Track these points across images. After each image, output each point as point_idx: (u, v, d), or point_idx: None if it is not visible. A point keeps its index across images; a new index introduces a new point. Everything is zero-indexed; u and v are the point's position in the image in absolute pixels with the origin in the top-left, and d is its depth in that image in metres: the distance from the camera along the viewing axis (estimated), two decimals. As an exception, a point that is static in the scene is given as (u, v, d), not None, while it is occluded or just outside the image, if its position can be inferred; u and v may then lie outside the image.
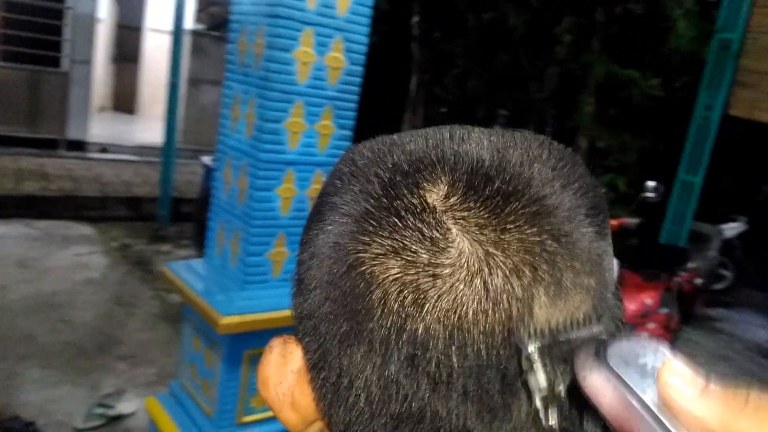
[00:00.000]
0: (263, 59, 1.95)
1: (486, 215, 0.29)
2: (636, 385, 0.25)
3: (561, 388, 0.27)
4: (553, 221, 0.30)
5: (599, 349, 0.26)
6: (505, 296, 0.28)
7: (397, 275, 0.29)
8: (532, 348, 0.27)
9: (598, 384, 0.26)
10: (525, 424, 0.29)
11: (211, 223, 2.26)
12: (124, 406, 3.09)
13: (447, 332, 0.28)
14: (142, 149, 8.38)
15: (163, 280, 2.24)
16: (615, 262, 0.26)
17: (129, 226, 5.97)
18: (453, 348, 0.28)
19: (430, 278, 0.28)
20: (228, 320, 1.89)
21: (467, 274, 0.28)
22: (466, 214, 0.29)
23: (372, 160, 0.33)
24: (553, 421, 0.27)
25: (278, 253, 2.10)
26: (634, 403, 0.24)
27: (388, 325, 0.29)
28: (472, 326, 0.28)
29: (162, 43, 9.77)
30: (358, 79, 2.15)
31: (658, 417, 0.23)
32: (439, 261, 0.28)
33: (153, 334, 3.91)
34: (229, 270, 2.12)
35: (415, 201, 0.30)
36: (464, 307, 0.28)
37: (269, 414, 2.08)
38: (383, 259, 0.29)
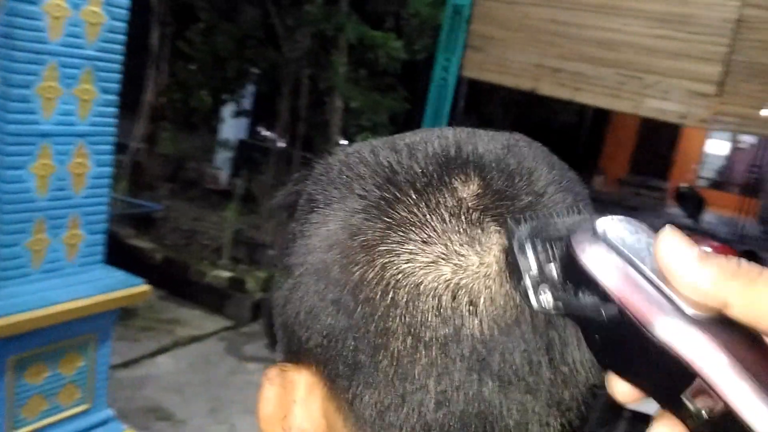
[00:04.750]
0: (4, 12, 1.63)
1: (518, 211, 0.30)
2: (634, 256, 0.25)
3: (552, 268, 0.27)
4: (565, 212, 0.31)
5: (594, 229, 0.26)
6: None
7: (449, 281, 0.29)
8: (523, 233, 0.28)
9: (597, 257, 0.26)
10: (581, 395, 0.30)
11: (-59, 209, 1.87)
12: None
13: (505, 330, 0.28)
14: None
15: None
16: None
17: None
18: (511, 344, 0.28)
19: (482, 279, 0.29)
20: (-16, 325, 1.60)
21: None
22: (500, 211, 0.30)
23: (391, 167, 0.32)
24: (546, 302, 0.27)
25: (38, 241, 1.82)
26: (635, 272, 0.25)
27: (446, 333, 0.28)
28: (522, 321, 0.29)
29: None
30: (121, 37, 1.92)
31: (657, 283, 0.24)
32: (486, 261, 0.29)
33: None
34: (-25, 265, 1.78)
35: (454, 204, 0.30)
36: (516, 303, 0.29)
37: (46, 422, 1.83)
38: (433, 267, 0.29)
